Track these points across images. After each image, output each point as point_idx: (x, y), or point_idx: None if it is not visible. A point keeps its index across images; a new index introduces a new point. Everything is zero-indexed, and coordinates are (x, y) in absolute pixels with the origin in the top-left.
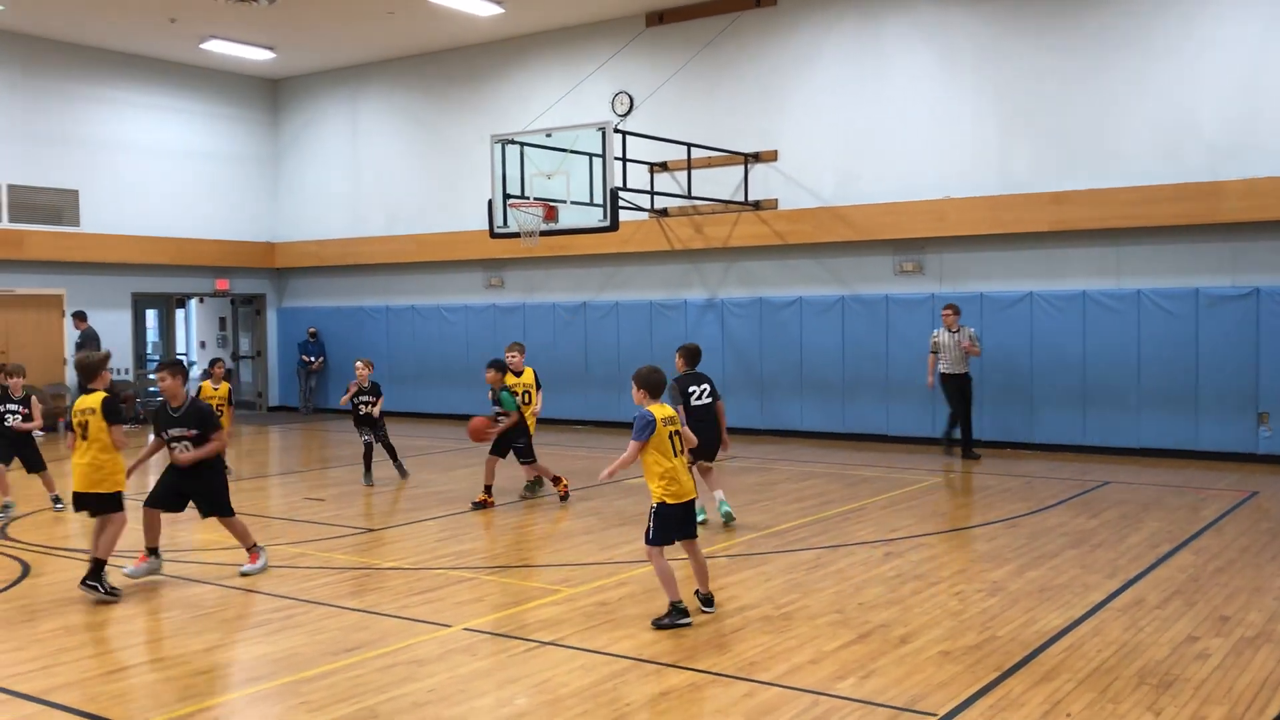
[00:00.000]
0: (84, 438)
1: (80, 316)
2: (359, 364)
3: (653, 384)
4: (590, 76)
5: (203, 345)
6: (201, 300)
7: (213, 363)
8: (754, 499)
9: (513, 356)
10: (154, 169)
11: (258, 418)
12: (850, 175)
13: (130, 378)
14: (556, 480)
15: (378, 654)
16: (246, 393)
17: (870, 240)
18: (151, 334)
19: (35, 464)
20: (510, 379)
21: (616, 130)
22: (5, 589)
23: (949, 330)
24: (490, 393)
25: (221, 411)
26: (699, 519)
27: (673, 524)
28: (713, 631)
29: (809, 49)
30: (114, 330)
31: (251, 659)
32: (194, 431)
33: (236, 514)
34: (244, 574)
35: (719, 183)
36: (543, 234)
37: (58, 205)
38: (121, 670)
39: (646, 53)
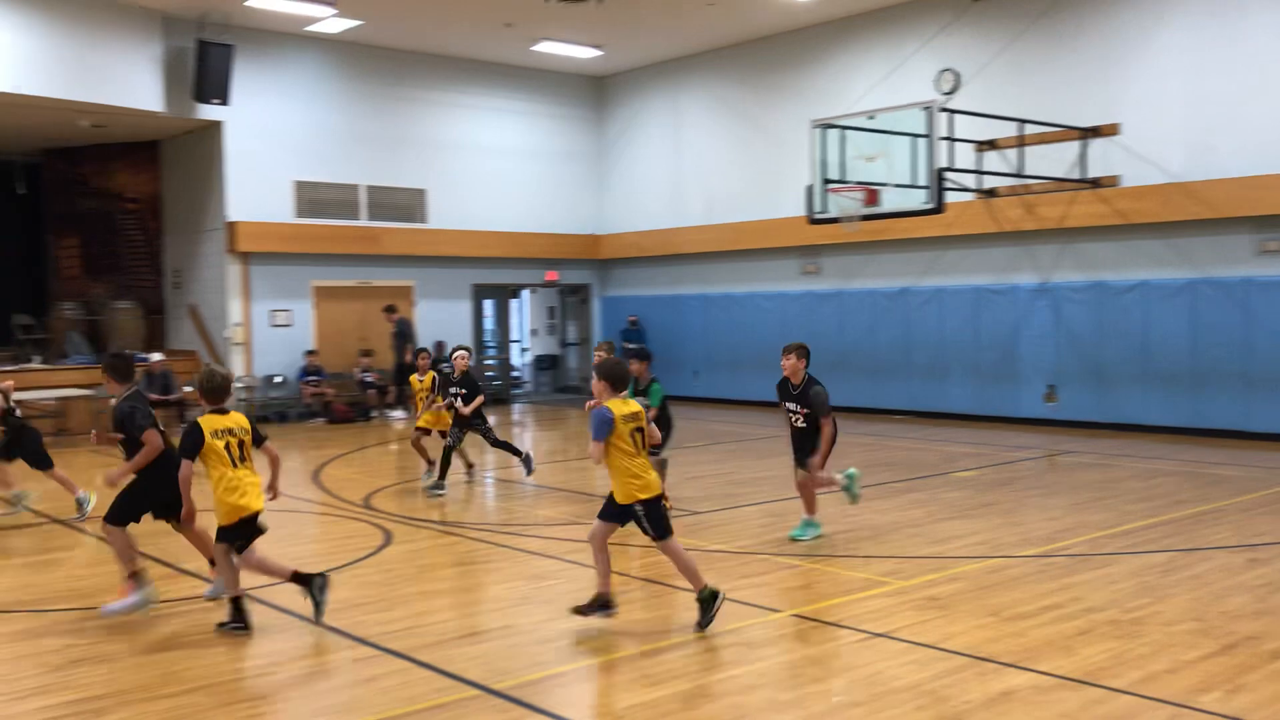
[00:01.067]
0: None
1: (391, 310)
2: (457, 355)
3: (615, 377)
4: (913, 55)
5: (534, 333)
6: (533, 290)
7: (418, 353)
8: (1095, 496)
9: (423, 358)
10: (491, 167)
11: (583, 402)
12: (1202, 148)
13: (474, 363)
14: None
15: (709, 634)
16: (573, 378)
17: (1227, 218)
18: (488, 322)
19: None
20: (414, 380)
21: (942, 109)
22: (370, 555)
23: None
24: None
25: (424, 400)
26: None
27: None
28: (1054, 633)
29: (1153, 12)
30: (455, 319)
31: (591, 631)
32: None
33: (124, 529)
34: (104, 614)
35: (1052, 160)
36: (863, 218)
37: (408, 204)
38: (477, 634)
39: (973, 27)
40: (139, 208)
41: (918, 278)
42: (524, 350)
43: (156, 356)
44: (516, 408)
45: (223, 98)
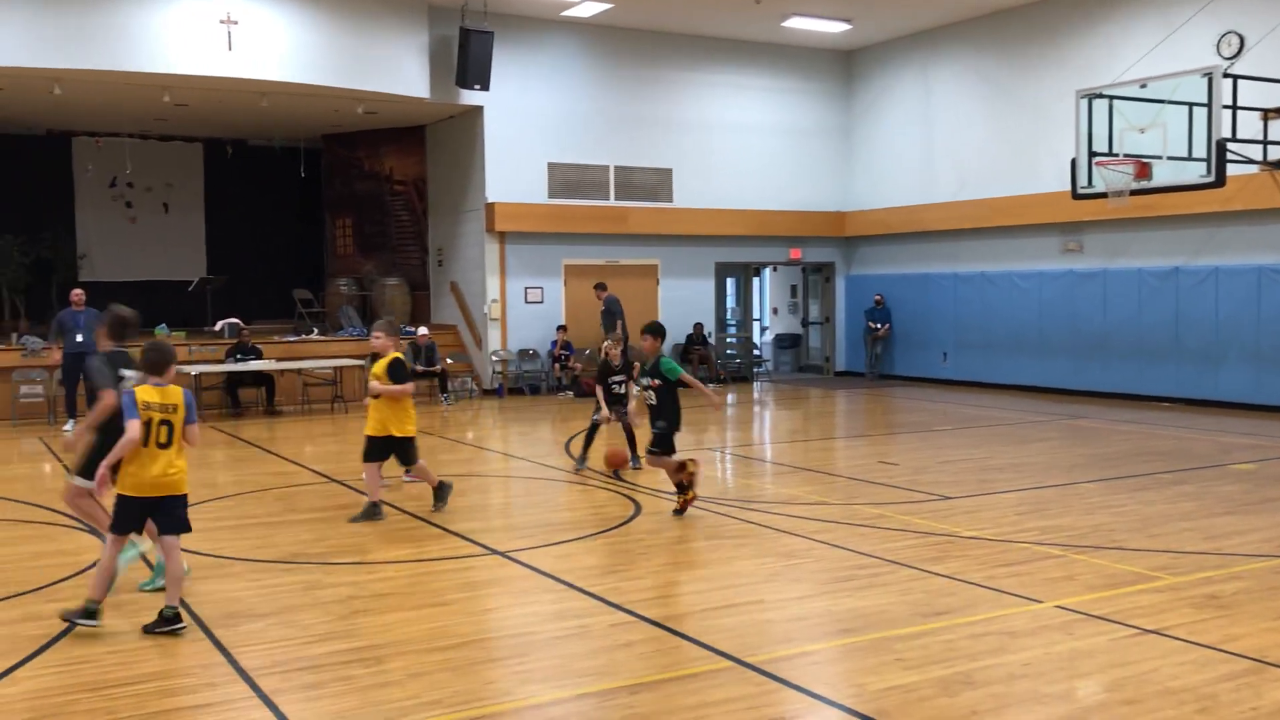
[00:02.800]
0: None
1: (601, 287)
2: (607, 343)
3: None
4: (1191, 19)
5: (775, 312)
6: (775, 269)
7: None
8: None
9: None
10: (735, 145)
11: (825, 382)
12: None
13: (713, 340)
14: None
15: (968, 621)
16: (814, 358)
17: None
18: (730, 300)
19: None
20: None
21: (1225, 75)
22: (621, 525)
23: None
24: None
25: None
26: None
27: None
28: None
29: None
30: (699, 297)
31: (842, 611)
32: None
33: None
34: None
35: None
36: (1132, 193)
37: (654, 183)
38: (729, 607)
39: None
40: (406, 189)
41: (1191, 256)
42: (765, 329)
43: (423, 330)
44: (757, 386)
45: (484, 83)
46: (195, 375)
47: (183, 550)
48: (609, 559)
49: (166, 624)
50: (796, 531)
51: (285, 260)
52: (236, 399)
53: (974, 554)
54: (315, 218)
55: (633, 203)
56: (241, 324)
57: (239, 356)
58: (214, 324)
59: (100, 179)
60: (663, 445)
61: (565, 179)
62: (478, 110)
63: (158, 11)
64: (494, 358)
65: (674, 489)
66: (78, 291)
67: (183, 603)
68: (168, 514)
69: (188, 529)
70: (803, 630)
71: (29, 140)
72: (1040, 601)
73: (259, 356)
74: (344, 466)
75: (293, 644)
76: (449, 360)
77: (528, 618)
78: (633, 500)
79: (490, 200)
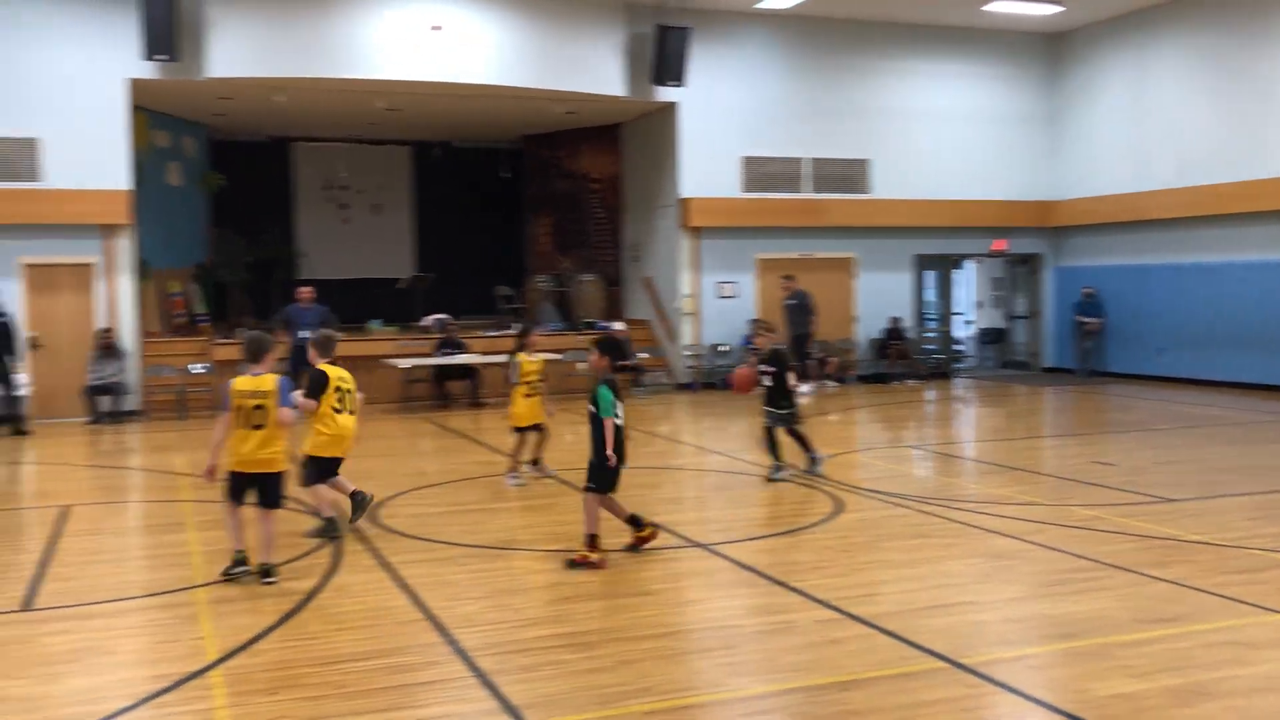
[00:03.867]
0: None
1: (789, 279)
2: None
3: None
4: None
5: (979, 305)
6: (978, 261)
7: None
8: None
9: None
10: (934, 134)
11: (1031, 378)
12: None
13: (911, 335)
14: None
15: (1197, 629)
16: (1020, 353)
17: None
18: (929, 294)
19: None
20: None
21: None
22: (823, 521)
23: None
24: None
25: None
26: None
27: None
28: None
29: None
30: (896, 291)
31: (1059, 614)
32: None
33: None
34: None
35: None
36: None
37: (850, 174)
38: (939, 607)
39: None
40: (601, 187)
41: None
42: (967, 323)
43: (618, 325)
44: (958, 383)
45: (679, 79)
46: (405, 368)
47: (402, 535)
48: (812, 555)
49: (265, 575)
50: (1006, 532)
51: (488, 257)
52: (444, 391)
53: (1200, 559)
54: (516, 216)
55: (829, 195)
56: (448, 319)
57: (446, 350)
58: (422, 319)
59: (317, 181)
60: (596, 481)
61: (759, 172)
62: (672, 106)
63: (373, 20)
64: (686, 352)
65: (865, 489)
66: (306, 289)
67: (405, 585)
68: (265, 489)
69: (277, 505)
70: (1018, 633)
71: (253, 146)
72: (1277, 612)
73: (464, 350)
74: (546, 457)
75: (506, 627)
76: (642, 355)
77: (732, 611)
78: (832, 497)
79: (684, 196)
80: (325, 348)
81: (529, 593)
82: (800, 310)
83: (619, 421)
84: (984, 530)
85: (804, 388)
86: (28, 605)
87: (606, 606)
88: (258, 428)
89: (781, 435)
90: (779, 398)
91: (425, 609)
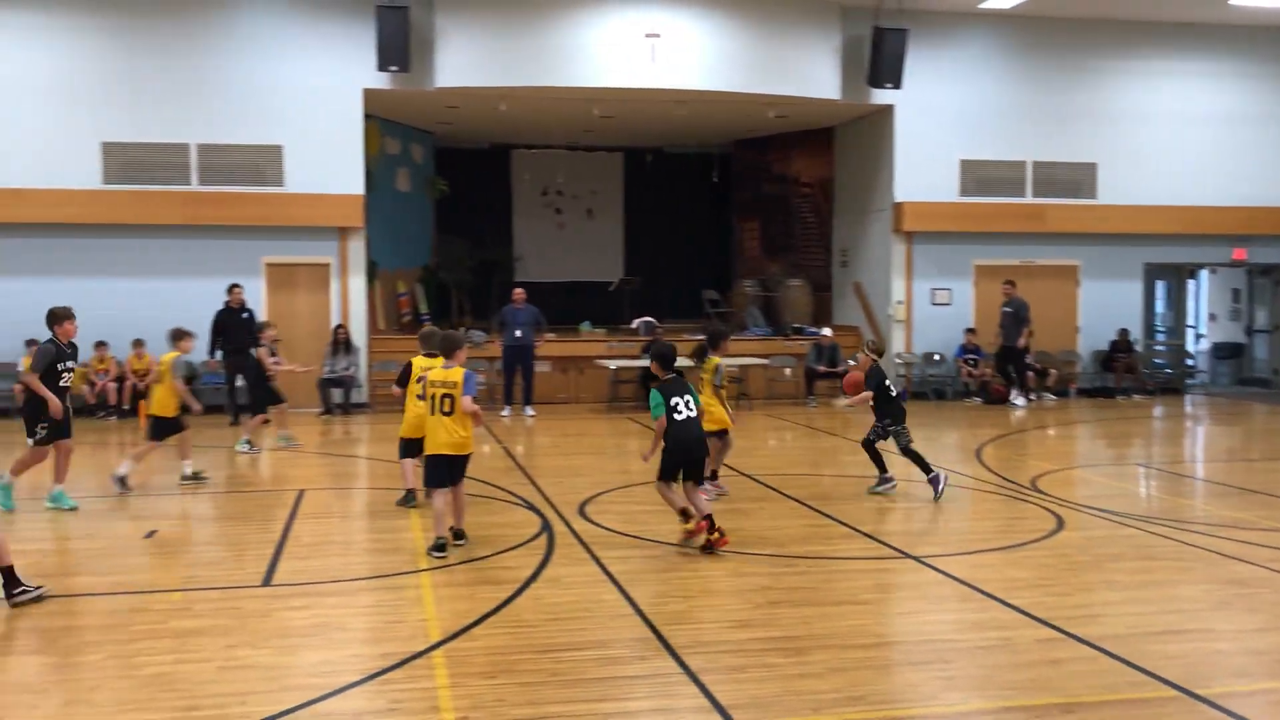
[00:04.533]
0: (446, 411)
1: (1010, 284)
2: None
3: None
4: None
5: (1213, 318)
6: (1214, 270)
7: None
8: None
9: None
10: (1168, 136)
11: (1272, 397)
12: None
13: (1139, 348)
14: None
15: None
16: (1260, 370)
17: None
18: (1159, 305)
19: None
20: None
21: None
22: (1044, 539)
23: None
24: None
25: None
26: None
27: None
28: None
29: None
30: (1124, 301)
31: None
32: None
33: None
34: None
35: None
36: None
37: (1076, 179)
38: (1171, 633)
39: None
40: (811, 191)
41: None
42: (1200, 336)
43: (826, 331)
44: (1189, 399)
45: (896, 82)
46: (614, 369)
47: (611, 531)
48: (1031, 571)
49: (436, 550)
50: (1246, 558)
51: (696, 262)
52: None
53: None
54: (724, 221)
55: (1052, 200)
56: (655, 322)
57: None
58: (630, 322)
59: (534, 187)
60: (659, 471)
61: (978, 176)
62: (888, 109)
63: (591, 29)
64: (897, 360)
65: (1087, 506)
66: (519, 291)
67: (614, 580)
68: (456, 468)
69: (443, 484)
70: (1261, 665)
71: (475, 154)
72: None
73: None
74: (750, 461)
75: (716, 627)
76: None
77: (946, 624)
78: (1053, 514)
79: (898, 200)
80: (424, 341)
81: (738, 594)
82: (1015, 320)
83: (678, 416)
84: (1221, 555)
85: (1020, 400)
86: (267, 581)
87: (816, 613)
88: (447, 414)
89: (892, 446)
90: (881, 413)
91: (634, 604)
